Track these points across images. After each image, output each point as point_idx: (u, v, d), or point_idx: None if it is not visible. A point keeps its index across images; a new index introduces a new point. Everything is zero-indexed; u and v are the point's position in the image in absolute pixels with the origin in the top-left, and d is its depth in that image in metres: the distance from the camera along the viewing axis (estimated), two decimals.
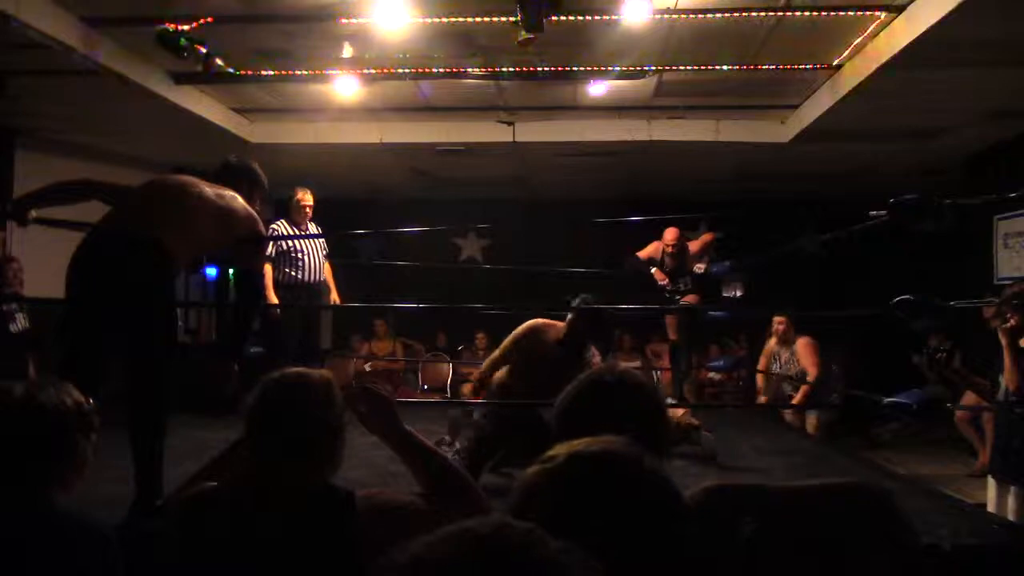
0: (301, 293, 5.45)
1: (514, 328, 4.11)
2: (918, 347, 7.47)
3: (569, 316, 3.97)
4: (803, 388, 6.01)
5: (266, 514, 1.53)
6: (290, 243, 5.39)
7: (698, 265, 5.76)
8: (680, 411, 4.72)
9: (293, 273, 5.40)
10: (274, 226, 5.39)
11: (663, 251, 5.76)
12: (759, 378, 6.53)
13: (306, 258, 5.44)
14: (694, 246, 5.93)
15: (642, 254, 5.79)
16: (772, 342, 6.36)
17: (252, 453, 1.63)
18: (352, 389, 1.73)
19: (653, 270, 5.69)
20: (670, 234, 5.71)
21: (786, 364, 6.18)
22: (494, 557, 0.63)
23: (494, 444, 3.84)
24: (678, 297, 5.76)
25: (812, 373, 5.96)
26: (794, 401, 6.13)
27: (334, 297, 5.78)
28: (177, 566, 1.56)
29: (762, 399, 6.56)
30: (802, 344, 6.09)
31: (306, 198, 5.48)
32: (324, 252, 5.59)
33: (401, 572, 0.63)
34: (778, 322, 6.22)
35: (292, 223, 5.50)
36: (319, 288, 5.62)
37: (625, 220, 4.97)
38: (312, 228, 5.58)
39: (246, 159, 3.50)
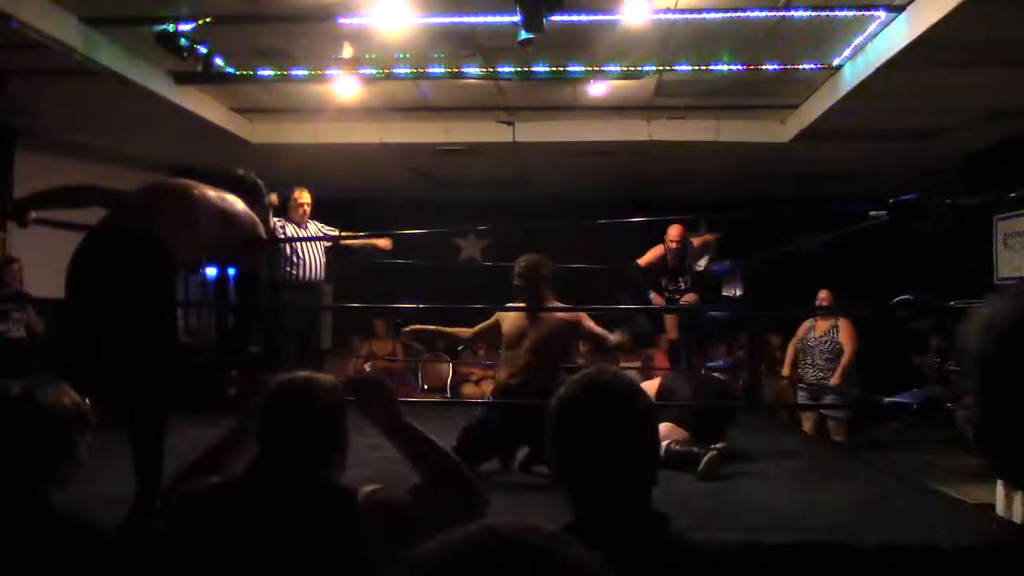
0: (301, 292, 5.45)
1: None
2: (918, 347, 7.45)
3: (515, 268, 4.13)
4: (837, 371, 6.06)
5: (267, 513, 1.54)
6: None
7: (699, 263, 5.76)
8: (673, 434, 4.16)
9: (293, 272, 5.40)
10: (276, 224, 5.39)
11: (667, 247, 5.74)
12: (784, 375, 6.64)
13: (306, 256, 5.43)
14: (695, 243, 5.94)
15: (642, 262, 5.76)
16: (804, 325, 6.41)
17: (258, 454, 1.64)
18: (352, 377, 1.77)
19: (652, 295, 5.67)
20: (674, 231, 5.71)
21: (822, 336, 6.19)
22: (518, 559, 0.61)
23: (486, 436, 3.88)
24: (678, 296, 5.75)
25: (848, 351, 6.02)
26: (833, 381, 6.11)
27: (380, 242, 5.55)
28: (177, 565, 1.56)
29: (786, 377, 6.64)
30: (845, 320, 6.16)
31: (303, 197, 5.48)
32: (324, 250, 5.58)
33: (422, 573, 0.62)
34: (822, 297, 6.27)
35: (291, 223, 5.50)
36: (319, 287, 5.62)
37: (625, 221, 4.96)
38: (314, 228, 5.58)
39: (255, 176, 3.53)
